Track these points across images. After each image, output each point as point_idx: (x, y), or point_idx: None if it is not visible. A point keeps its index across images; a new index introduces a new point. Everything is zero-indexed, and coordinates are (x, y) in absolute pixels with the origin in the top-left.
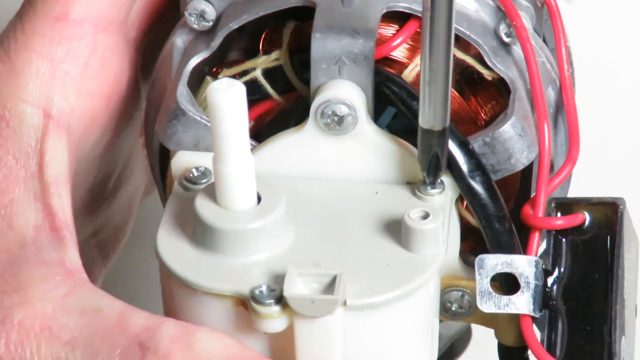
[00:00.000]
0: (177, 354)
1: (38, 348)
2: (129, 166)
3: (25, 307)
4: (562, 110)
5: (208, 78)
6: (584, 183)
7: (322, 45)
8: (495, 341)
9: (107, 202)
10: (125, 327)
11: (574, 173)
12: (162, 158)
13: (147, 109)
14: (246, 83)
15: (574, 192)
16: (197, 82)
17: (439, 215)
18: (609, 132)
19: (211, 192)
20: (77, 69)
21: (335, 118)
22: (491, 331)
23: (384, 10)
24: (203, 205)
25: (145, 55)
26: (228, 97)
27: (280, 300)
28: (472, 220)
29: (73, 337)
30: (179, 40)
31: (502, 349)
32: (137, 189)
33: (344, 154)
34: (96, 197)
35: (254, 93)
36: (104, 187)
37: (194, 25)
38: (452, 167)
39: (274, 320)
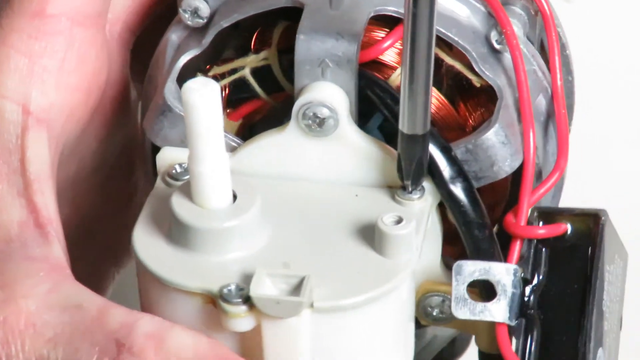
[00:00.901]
0: (150, 352)
1: (22, 345)
2: (123, 163)
3: (10, 304)
4: (554, 118)
5: (199, 75)
6: (579, 191)
7: (305, 47)
8: None
9: (98, 199)
10: (104, 324)
11: (568, 181)
12: (154, 154)
13: (142, 104)
14: (235, 81)
15: (570, 201)
16: (191, 78)
17: (412, 221)
18: (609, 137)
19: (187, 190)
20: (54, 64)
21: (317, 120)
22: None
23: (372, 14)
24: (179, 203)
25: (134, 52)
26: (202, 96)
27: (248, 299)
28: None
29: (55, 334)
30: (173, 36)
31: (482, 356)
32: (145, 192)
33: (325, 155)
34: (82, 193)
35: (243, 92)
36: (91, 183)
37: (188, 22)
38: (434, 172)
39: (241, 319)
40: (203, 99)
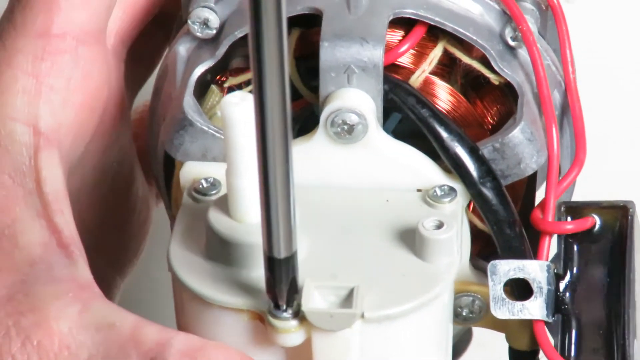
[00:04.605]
0: None
1: None
2: (124, 173)
3: (42, 328)
4: (568, 112)
5: (213, 87)
6: (588, 186)
7: (330, 53)
8: (496, 342)
9: (101, 212)
10: (138, 342)
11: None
12: (166, 167)
13: (149, 118)
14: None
15: (577, 195)
16: (198, 90)
17: (452, 225)
18: (611, 134)
19: (224, 205)
20: (61, 84)
21: (346, 127)
22: (492, 332)
23: (391, 17)
24: (216, 218)
25: (127, 63)
26: (241, 110)
27: (298, 314)
28: (479, 223)
29: (91, 355)
30: (181, 48)
31: (513, 353)
32: (144, 201)
33: (354, 162)
34: (86, 207)
35: None
36: (94, 196)
37: (198, 34)
38: (463, 173)
39: (291, 334)
40: (243, 113)
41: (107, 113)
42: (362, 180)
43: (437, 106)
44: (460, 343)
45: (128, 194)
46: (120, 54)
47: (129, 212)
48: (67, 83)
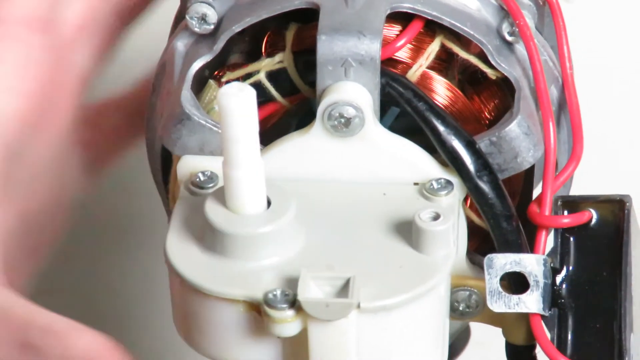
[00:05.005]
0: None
1: None
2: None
3: None
4: (565, 108)
5: (211, 82)
6: (585, 181)
7: (328, 47)
8: (494, 340)
9: (42, 221)
10: (10, 322)
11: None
12: (164, 161)
13: (147, 113)
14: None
15: (574, 190)
16: (196, 85)
17: (449, 216)
18: (609, 131)
19: (220, 197)
20: (6, 70)
21: (343, 120)
22: (490, 330)
23: (388, 11)
24: (213, 210)
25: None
26: (239, 101)
27: (294, 304)
28: (476, 219)
29: None
30: (180, 43)
31: (510, 348)
32: (61, 188)
33: (351, 155)
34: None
35: (258, 96)
36: (45, 202)
37: (196, 29)
38: (460, 167)
39: (287, 324)
40: (240, 104)
41: (61, 104)
42: (359, 174)
43: (434, 101)
44: (458, 342)
45: (64, 201)
46: (115, 35)
47: (56, 221)
48: (13, 69)
